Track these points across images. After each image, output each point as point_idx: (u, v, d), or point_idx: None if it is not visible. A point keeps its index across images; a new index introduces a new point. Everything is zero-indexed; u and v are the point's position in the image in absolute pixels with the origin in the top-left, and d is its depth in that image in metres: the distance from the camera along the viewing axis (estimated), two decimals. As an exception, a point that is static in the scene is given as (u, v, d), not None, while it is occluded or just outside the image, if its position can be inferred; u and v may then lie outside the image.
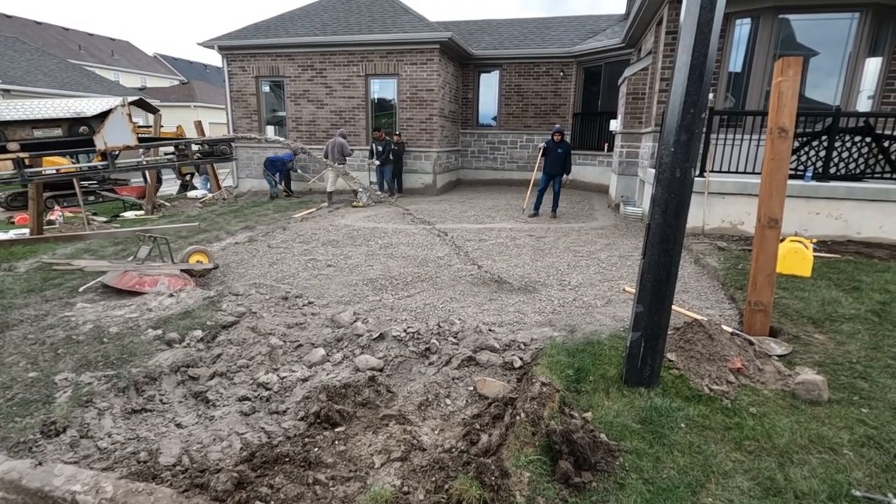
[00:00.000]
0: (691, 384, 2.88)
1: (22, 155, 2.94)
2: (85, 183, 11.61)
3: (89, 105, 3.01)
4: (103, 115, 3.04)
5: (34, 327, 3.94)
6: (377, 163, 11.99)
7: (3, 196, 11.30)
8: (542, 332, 3.82)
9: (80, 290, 4.94)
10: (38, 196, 8.93)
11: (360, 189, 10.40)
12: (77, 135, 3.02)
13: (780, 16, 7.34)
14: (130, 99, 3.36)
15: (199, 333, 3.79)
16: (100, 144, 3.05)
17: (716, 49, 2.48)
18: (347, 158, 11.40)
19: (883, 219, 6.27)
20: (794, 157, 6.57)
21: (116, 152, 3.26)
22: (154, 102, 25.11)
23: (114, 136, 3.08)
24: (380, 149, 11.94)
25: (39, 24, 37.05)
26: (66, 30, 39.27)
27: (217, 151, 3.67)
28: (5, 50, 20.61)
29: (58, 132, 2.99)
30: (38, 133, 2.94)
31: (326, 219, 9.49)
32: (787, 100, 3.36)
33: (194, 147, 3.71)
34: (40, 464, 2.28)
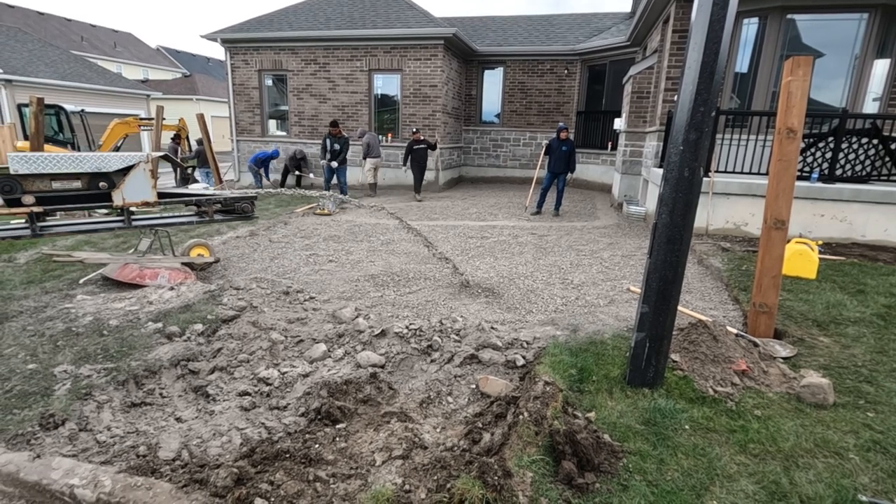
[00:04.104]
0: (695, 386, 2.85)
1: (36, 209, 2.85)
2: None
3: (112, 160, 2.94)
4: (125, 170, 2.96)
5: (33, 319, 3.92)
6: (335, 164, 10.88)
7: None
8: (544, 330, 3.80)
9: (80, 282, 4.92)
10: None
11: (326, 194, 9.95)
12: (96, 188, 2.95)
13: (788, 16, 7.29)
14: (156, 154, 3.27)
15: (199, 327, 3.76)
16: (118, 200, 2.98)
17: (728, 47, 2.44)
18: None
19: (888, 222, 6.23)
20: (800, 158, 6.53)
21: (134, 208, 3.14)
22: (156, 95, 25.20)
23: (133, 192, 3.00)
24: (336, 147, 10.81)
25: (42, 14, 36.92)
26: (69, 21, 39.13)
27: (238, 209, 3.55)
28: (7, 40, 20.53)
29: (77, 184, 2.91)
30: (56, 185, 2.86)
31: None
32: (797, 100, 3.33)
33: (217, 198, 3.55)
34: (38, 456, 2.26)
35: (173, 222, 3.39)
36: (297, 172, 12.84)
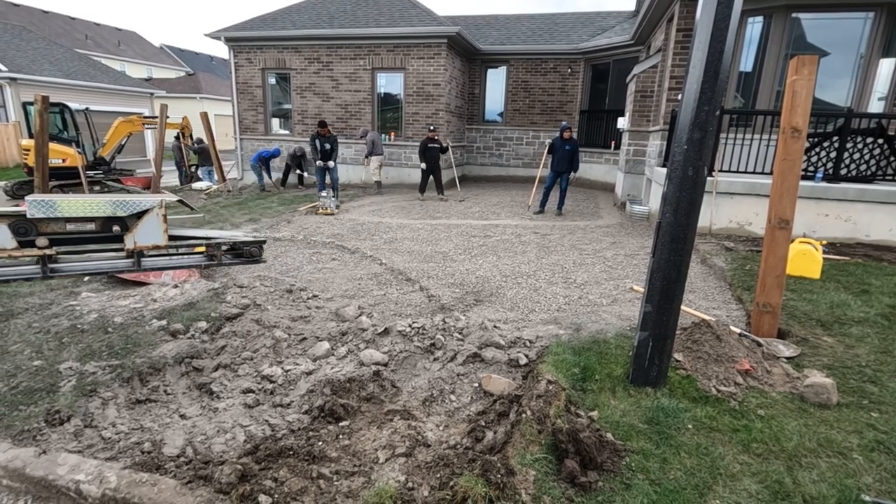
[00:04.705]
0: (698, 385, 2.85)
1: (49, 252, 2.88)
2: (91, 173, 11.64)
3: (127, 204, 3.01)
4: (139, 214, 3.04)
5: (39, 316, 3.94)
6: (332, 164, 10.57)
7: (9, 185, 11.34)
8: (547, 329, 3.80)
9: (85, 279, 4.95)
10: (45, 187, 8.95)
11: (323, 194, 9.75)
12: (109, 231, 3.03)
13: (793, 15, 7.25)
14: (171, 199, 3.28)
15: (203, 325, 3.78)
16: (129, 244, 3.04)
17: (732, 46, 2.44)
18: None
19: (893, 222, 6.20)
20: (805, 157, 6.50)
21: (145, 252, 3.21)
22: (160, 93, 25.27)
23: (145, 236, 3.06)
24: (327, 146, 10.48)
25: (46, 13, 37.03)
26: (73, 19, 39.25)
27: (246, 254, 3.57)
28: (12, 38, 20.61)
29: (91, 226, 2.98)
30: (70, 227, 2.92)
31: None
32: (801, 99, 3.32)
33: (223, 242, 3.55)
34: (44, 452, 2.27)
35: (182, 265, 3.46)
36: (298, 171, 12.81)
